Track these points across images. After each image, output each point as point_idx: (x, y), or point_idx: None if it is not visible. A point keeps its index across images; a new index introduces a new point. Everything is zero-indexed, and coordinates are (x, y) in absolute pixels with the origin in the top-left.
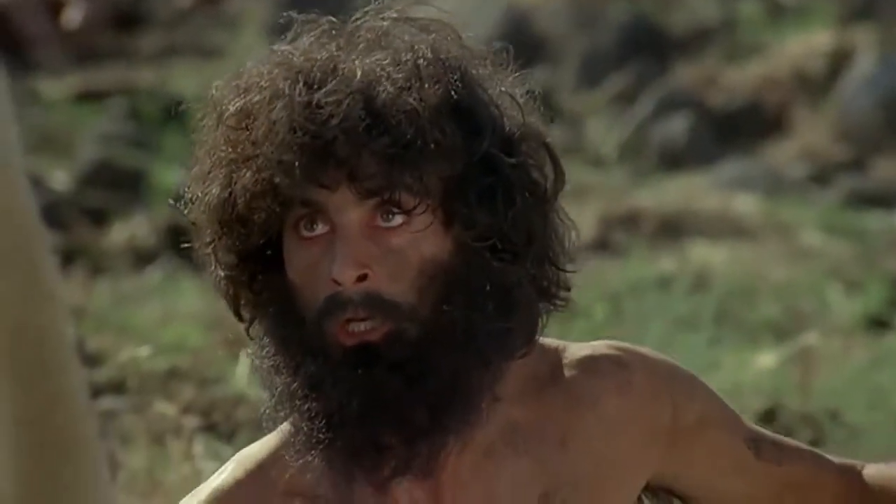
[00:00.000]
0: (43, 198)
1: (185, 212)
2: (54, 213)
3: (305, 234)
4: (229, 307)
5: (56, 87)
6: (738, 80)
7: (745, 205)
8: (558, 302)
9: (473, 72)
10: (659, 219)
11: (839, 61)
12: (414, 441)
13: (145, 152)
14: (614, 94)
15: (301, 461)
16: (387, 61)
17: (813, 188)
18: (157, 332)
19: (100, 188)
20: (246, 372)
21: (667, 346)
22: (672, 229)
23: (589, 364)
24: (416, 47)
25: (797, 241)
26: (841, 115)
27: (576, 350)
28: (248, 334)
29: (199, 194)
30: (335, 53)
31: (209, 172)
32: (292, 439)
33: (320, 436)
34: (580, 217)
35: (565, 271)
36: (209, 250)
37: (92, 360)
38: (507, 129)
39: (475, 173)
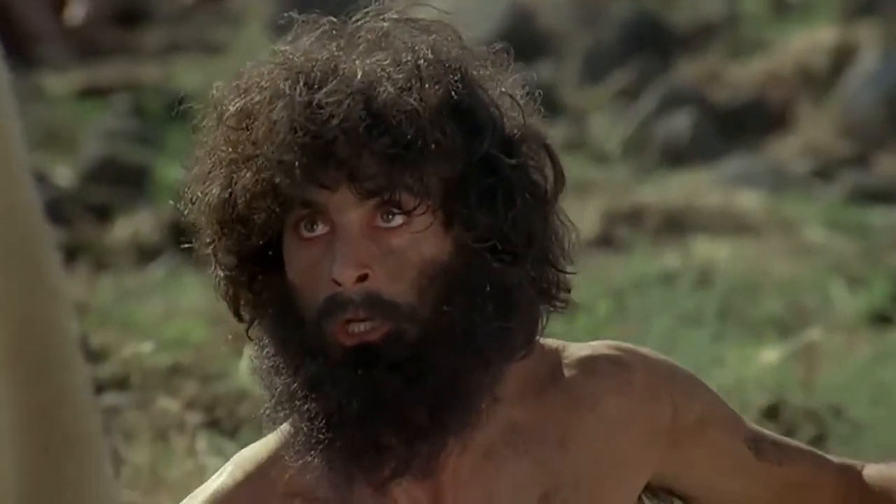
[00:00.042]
0: (47, 194)
1: (186, 212)
2: (58, 209)
3: (305, 234)
4: (229, 308)
5: (60, 83)
6: (741, 77)
7: (749, 201)
8: (558, 303)
9: (474, 72)
10: (662, 215)
11: (843, 57)
12: (414, 441)
13: (149, 148)
14: (618, 90)
15: (301, 462)
16: (387, 62)
17: (816, 184)
18: (161, 328)
19: (103, 184)
20: (249, 368)
21: (670, 341)
22: (675, 225)
23: (589, 364)
24: (416, 48)
25: (801, 237)
26: (844, 111)
27: (575, 350)
28: (248, 335)
29: (200, 194)
30: (336, 54)
31: (209, 173)
32: (292, 440)
33: (320, 436)
34: (583, 213)
35: (565, 272)
36: (209, 251)
37: (95, 355)
38: (508, 129)
39: (475, 174)
